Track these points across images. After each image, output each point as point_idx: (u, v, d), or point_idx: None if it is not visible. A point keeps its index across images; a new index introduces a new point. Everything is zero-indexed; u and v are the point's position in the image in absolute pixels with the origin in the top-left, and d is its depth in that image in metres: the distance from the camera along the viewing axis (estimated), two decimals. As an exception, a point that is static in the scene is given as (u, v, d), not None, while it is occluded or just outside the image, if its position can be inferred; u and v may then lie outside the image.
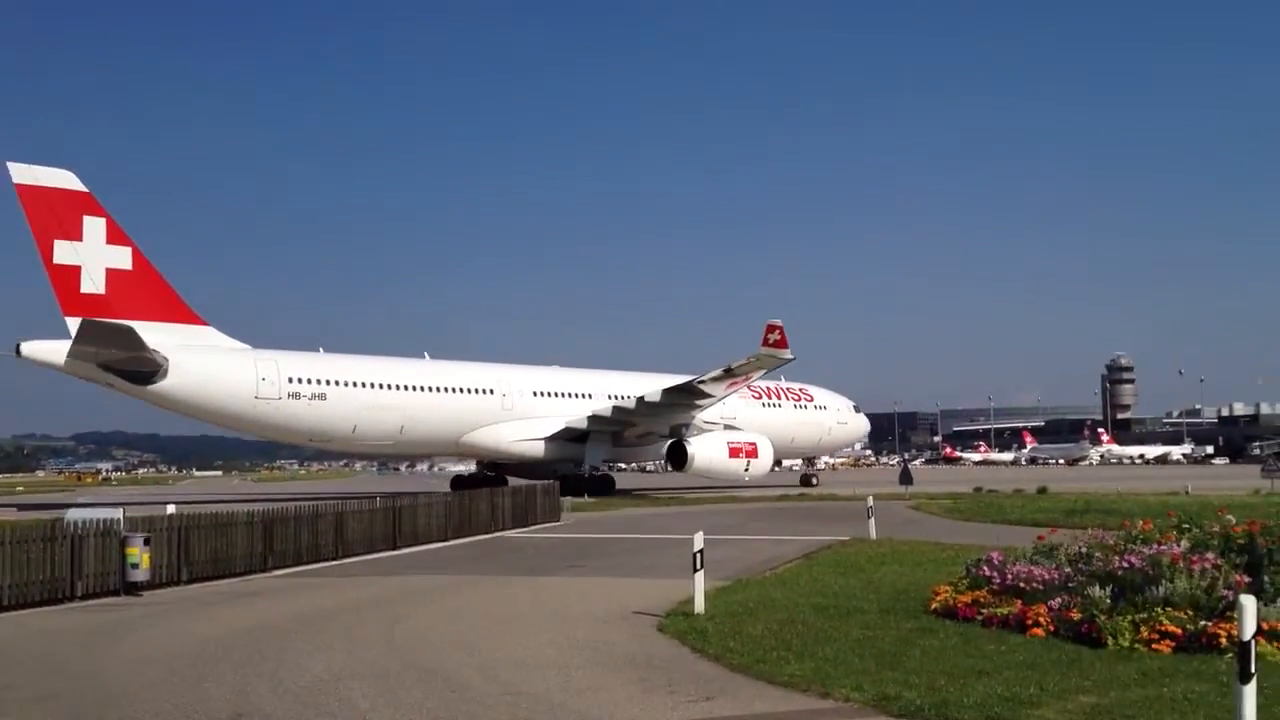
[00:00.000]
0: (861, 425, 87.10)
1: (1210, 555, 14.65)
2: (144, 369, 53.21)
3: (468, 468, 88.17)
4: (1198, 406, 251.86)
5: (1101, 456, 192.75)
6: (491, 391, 65.03)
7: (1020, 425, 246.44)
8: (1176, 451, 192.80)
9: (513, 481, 61.11)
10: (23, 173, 52.27)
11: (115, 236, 54.05)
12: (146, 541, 21.13)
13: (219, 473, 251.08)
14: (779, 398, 76.24)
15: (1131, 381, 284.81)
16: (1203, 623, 13.00)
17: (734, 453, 64.84)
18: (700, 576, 17.06)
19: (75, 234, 52.62)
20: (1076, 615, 14.01)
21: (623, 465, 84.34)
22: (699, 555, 17.05)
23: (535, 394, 66.85)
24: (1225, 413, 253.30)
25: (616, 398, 66.18)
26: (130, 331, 50.69)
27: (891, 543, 28.52)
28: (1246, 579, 14.02)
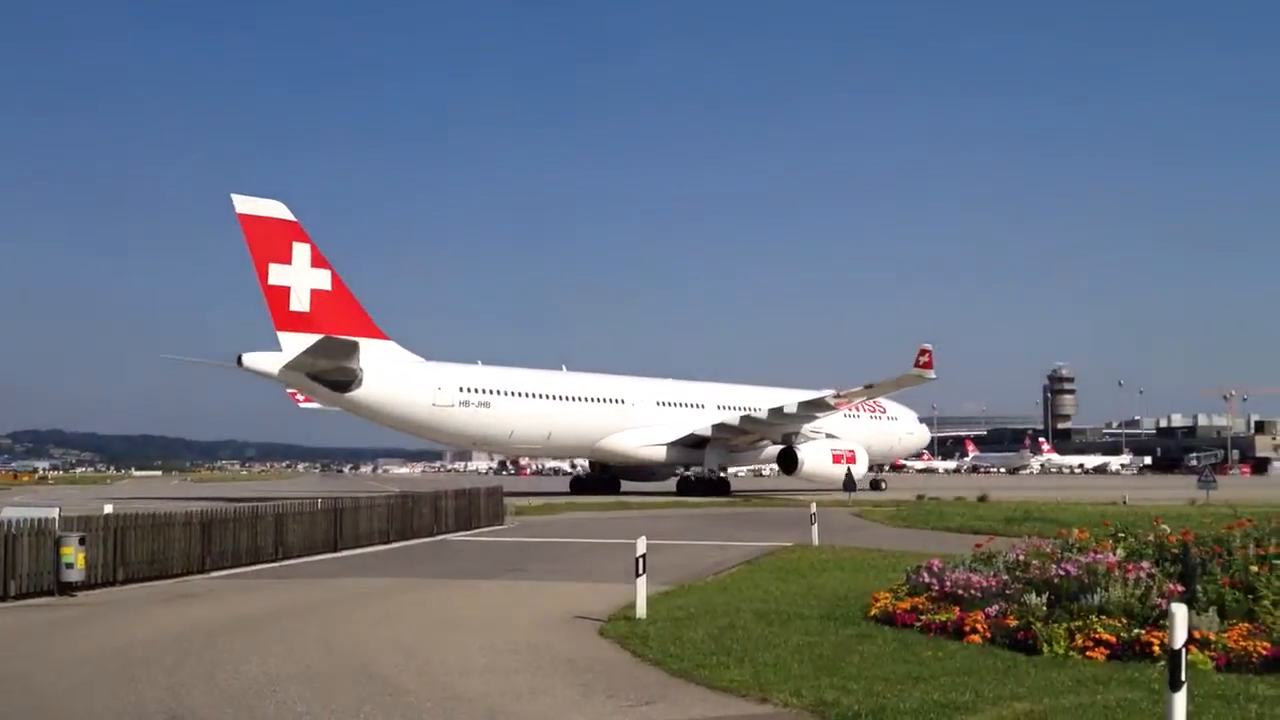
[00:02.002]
0: (925, 436, 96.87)
1: (1145, 564, 14.84)
2: (344, 379, 60.51)
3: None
4: (1137, 418, 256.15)
5: (1042, 466, 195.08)
6: (622, 401, 72.63)
7: (963, 434, 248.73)
8: (1115, 462, 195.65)
9: (625, 485, 75.67)
10: (244, 203, 58.92)
11: (318, 261, 60.75)
12: (82, 541, 20.76)
13: (159, 473, 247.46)
14: (858, 409, 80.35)
15: (1072, 392, 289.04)
16: (1136, 631, 13.16)
17: (836, 459, 70.32)
18: (643, 581, 17.04)
19: (286, 258, 59.33)
20: (1013, 622, 14.15)
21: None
22: (641, 560, 17.05)
23: (658, 404, 74.16)
24: (1164, 424, 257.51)
25: (742, 409, 72.49)
26: (355, 345, 58.33)
27: (834, 549, 28.70)
28: (1180, 588, 14.21)
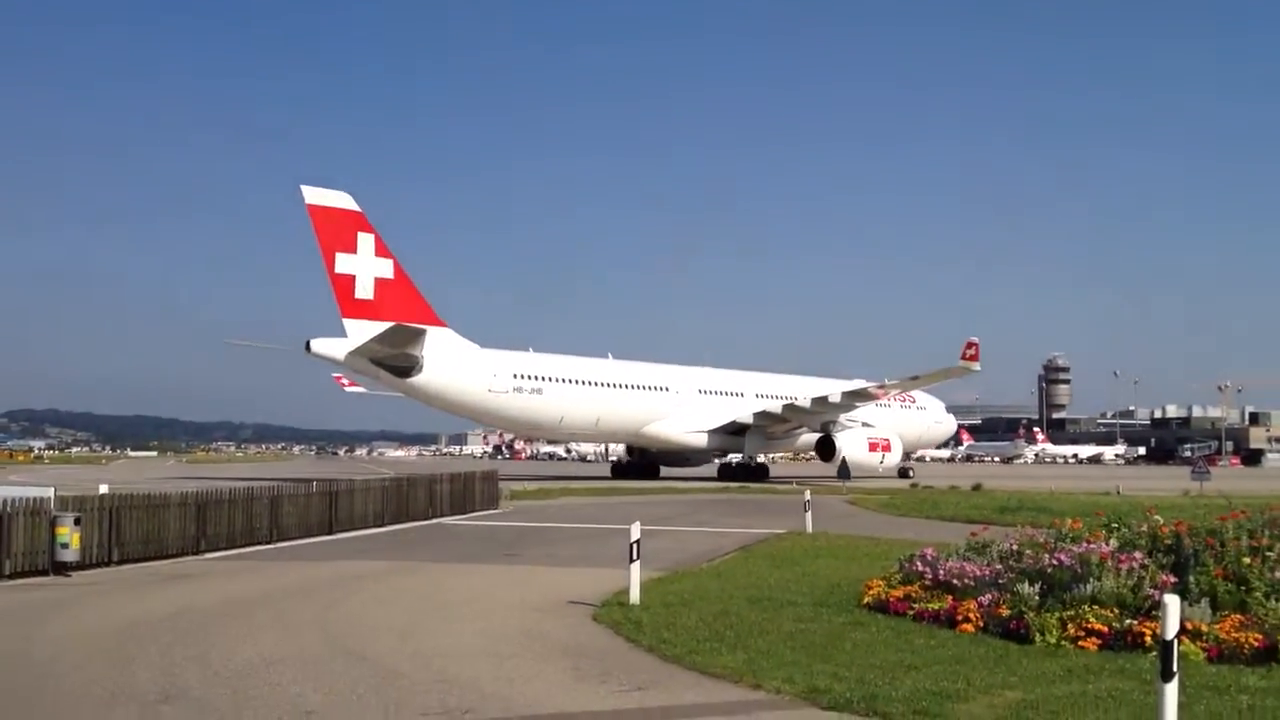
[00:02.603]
0: (952, 425, 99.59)
1: (1138, 555, 14.86)
2: (406, 365, 63.15)
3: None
4: (1132, 408, 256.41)
5: (1036, 455, 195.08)
6: (666, 389, 75.12)
7: (958, 423, 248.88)
8: (1110, 452, 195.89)
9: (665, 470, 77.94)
10: (313, 194, 61.19)
11: (381, 250, 62.95)
12: (77, 521, 20.79)
13: (154, 453, 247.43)
14: (890, 399, 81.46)
15: (1067, 382, 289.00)
16: (1128, 621, 13.19)
17: (872, 447, 73.57)
18: (636, 567, 17.06)
19: (351, 247, 61.66)
20: (1005, 612, 14.18)
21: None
22: (635, 546, 17.08)
23: (700, 392, 76.38)
24: (1158, 414, 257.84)
25: (779, 397, 74.98)
26: (422, 333, 61.05)
27: (827, 537, 28.74)
28: (1172, 579, 14.23)
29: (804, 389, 76.49)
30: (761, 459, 77.57)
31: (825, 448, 74.34)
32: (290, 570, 22.42)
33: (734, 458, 76.86)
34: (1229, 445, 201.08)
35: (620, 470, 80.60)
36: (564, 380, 70.12)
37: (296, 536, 28.28)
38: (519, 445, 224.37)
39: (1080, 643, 13.06)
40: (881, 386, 73.00)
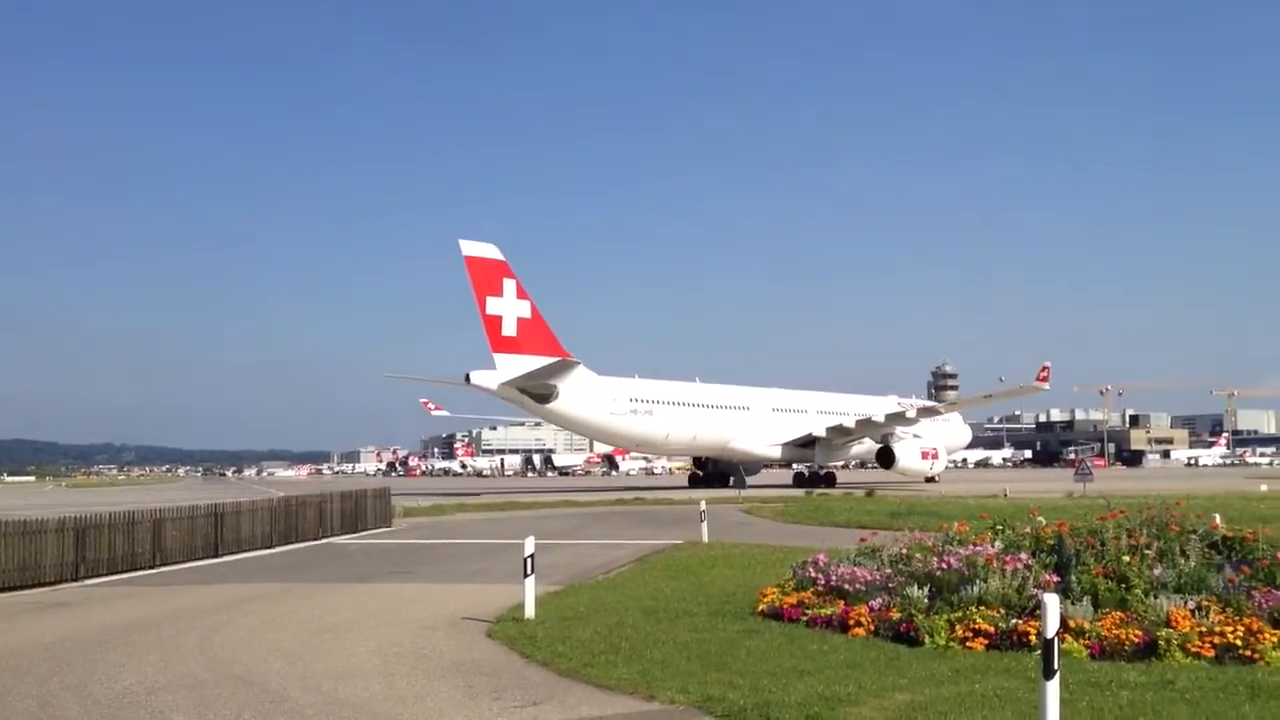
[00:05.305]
0: (968, 434, 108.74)
1: (1022, 556, 15.21)
2: (546, 393, 72.17)
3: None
4: (1017, 412, 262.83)
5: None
6: (746, 409, 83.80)
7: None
8: (997, 455, 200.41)
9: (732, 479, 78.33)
10: (469, 247, 71.50)
11: (521, 293, 72.69)
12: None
13: (32, 478, 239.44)
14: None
15: (956, 388, 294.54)
16: (1014, 621, 13.45)
17: (924, 455, 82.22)
18: (531, 581, 16.96)
19: (498, 291, 71.42)
20: (896, 615, 14.38)
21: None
22: (530, 560, 16.97)
23: (773, 410, 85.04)
24: (1043, 418, 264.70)
25: (838, 413, 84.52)
26: (575, 365, 71.39)
27: (723, 546, 28.87)
28: (1055, 578, 14.59)
29: (852, 405, 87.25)
30: (829, 467, 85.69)
31: (885, 457, 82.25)
32: (174, 595, 21.81)
33: (803, 467, 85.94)
34: (1111, 447, 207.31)
35: (696, 482, 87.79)
36: (669, 403, 79.26)
37: (181, 560, 27.60)
38: (413, 462, 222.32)
39: (968, 643, 13.28)
40: (952, 404, 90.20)
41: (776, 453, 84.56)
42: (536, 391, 72.07)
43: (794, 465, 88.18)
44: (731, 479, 70.83)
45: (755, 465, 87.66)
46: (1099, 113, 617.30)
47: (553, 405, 73.16)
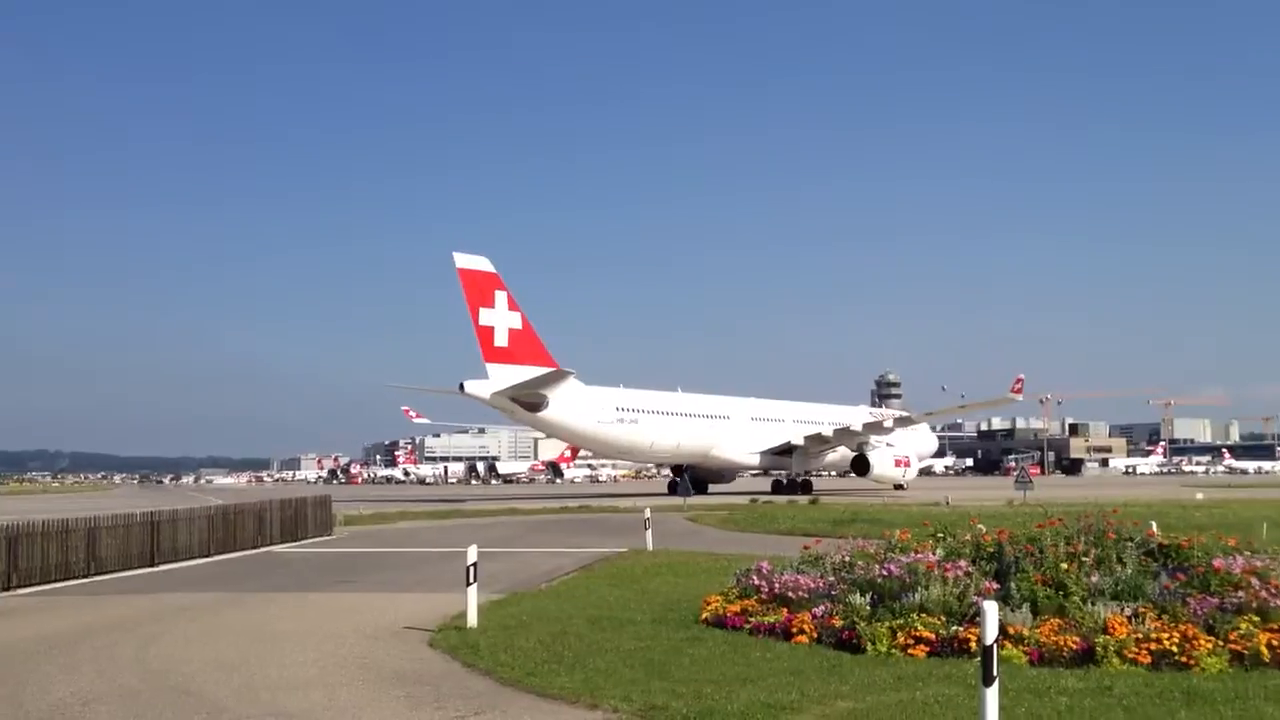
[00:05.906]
0: (935, 442, 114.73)
1: (962, 563, 15.34)
2: (537, 402, 73.58)
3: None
4: (959, 421, 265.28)
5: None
6: (727, 417, 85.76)
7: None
8: (939, 464, 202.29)
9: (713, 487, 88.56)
10: (462, 259, 72.48)
11: (512, 305, 74.00)
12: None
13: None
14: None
15: (899, 396, 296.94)
16: (954, 628, 13.57)
17: (897, 463, 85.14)
18: (474, 590, 16.87)
19: (490, 303, 72.50)
20: (838, 622, 14.45)
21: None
22: (473, 569, 16.87)
23: (751, 419, 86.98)
24: (984, 427, 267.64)
25: (812, 422, 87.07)
26: (567, 375, 73.16)
27: (667, 554, 28.86)
28: (995, 586, 14.72)
29: (833, 415, 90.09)
30: (807, 475, 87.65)
31: (860, 465, 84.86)
32: (109, 604, 21.43)
33: (780, 474, 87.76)
34: (1051, 455, 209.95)
35: (674, 488, 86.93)
36: (653, 412, 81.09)
37: (116, 569, 27.15)
38: (354, 469, 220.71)
39: (910, 650, 13.37)
40: (929, 414, 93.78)
41: (756, 460, 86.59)
42: (528, 400, 73.61)
43: (770, 472, 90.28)
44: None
45: (734, 472, 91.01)
46: (1032, 127, 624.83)
47: (543, 414, 74.63)
